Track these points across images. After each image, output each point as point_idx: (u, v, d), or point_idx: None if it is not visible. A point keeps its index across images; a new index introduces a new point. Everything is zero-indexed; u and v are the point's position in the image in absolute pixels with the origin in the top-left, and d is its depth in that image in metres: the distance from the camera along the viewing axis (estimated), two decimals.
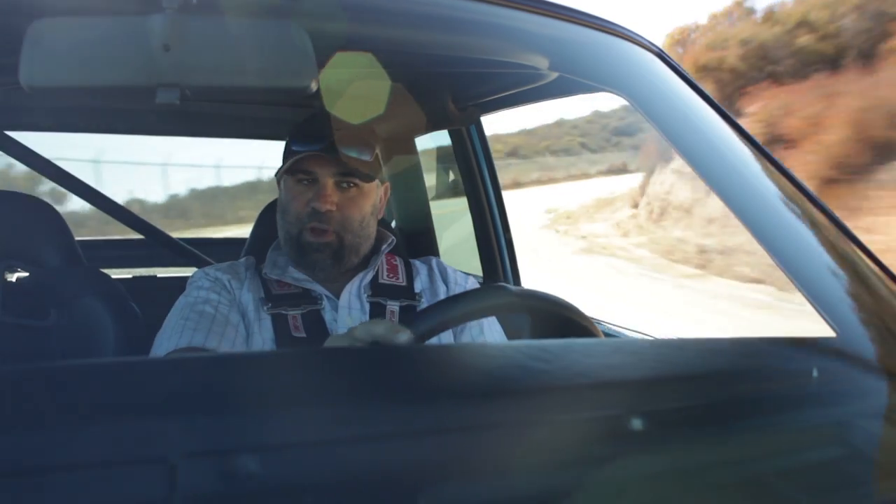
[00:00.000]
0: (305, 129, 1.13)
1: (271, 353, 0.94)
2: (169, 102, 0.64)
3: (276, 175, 1.17)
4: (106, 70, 0.66)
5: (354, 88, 1.38)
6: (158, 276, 2.15)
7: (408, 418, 0.53)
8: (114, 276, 1.54)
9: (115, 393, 0.50)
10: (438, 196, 2.07)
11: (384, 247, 1.21)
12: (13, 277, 1.43)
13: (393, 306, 1.15)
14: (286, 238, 1.14)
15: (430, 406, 0.55)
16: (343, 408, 0.52)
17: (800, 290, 0.83)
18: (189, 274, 2.09)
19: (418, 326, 0.77)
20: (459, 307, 0.83)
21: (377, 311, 1.14)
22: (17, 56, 0.64)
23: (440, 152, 2.10)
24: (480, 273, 1.95)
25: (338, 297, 1.13)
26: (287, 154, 1.13)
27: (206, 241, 2.26)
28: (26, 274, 1.40)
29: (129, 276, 2.16)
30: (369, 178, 1.13)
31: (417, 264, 1.26)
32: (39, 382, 0.50)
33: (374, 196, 1.16)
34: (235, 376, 0.55)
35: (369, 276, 1.17)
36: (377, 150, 1.15)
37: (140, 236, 2.12)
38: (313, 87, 0.69)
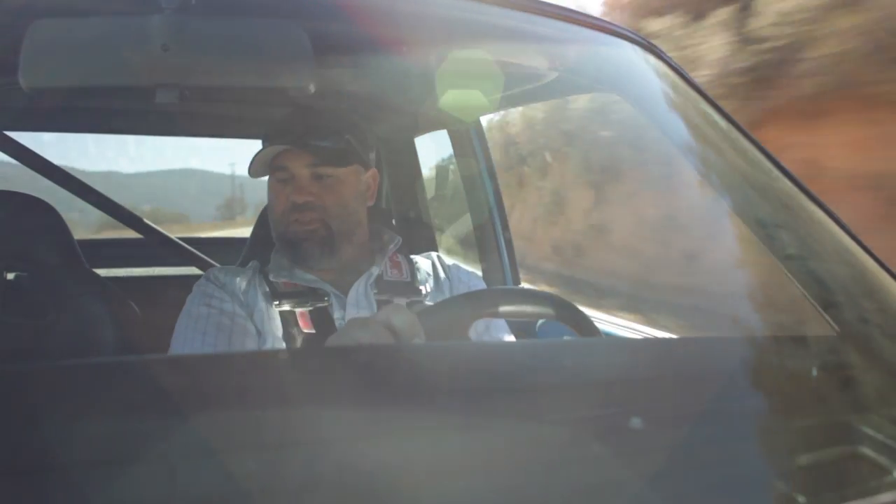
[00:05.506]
0: (274, 127, 1.15)
1: (271, 353, 0.95)
2: (168, 102, 0.64)
3: (249, 174, 1.18)
4: (105, 70, 0.66)
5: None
6: (157, 275, 2.15)
7: (405, 417, 0.53)
8: (113, 276, 1.54)
9: (114, 392, 0.50)
10: None
11: (391, 246, 1.22)
12: (12, 277, 1.44)
13: (400, 302, 1.17)
14: (277, 236, 1.16)
15: (428, 405, 0.55)
16: (342, 407, 0.52)
17: (799, 288, 0.83)
18: (188, 273, 2.10)
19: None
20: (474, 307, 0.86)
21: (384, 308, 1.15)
22: (16, 56, 0.64)
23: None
24: (480, 273, 1.95)
25: (345, 294, 1.15)
26: (262, 159, 1.14)
27: (205, 240, 2.26)
28: (25, 273, 1.40)
29: (128, 275, 2.16)
30: (342, 165, 1.14)
31: (420, 260, 1.28)
32: (38, 381, 0.50)
33: (355, 182, 1.17)
34: (235, 375, 0.55)
35: (375, 274, 1.18)
36: (349, 136, 1.16)
37: (139, 236, 2.12)
38: (311, 87, 0.69)
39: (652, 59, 1.05)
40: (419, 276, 1.23)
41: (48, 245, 1.39)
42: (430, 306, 0.92)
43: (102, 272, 1.60)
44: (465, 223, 2.03)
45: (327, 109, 1.23)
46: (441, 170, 2.12)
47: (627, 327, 1.55)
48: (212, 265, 2.07)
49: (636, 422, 0.58)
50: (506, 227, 1.94)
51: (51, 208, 1.41)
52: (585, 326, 0.89)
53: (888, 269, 0.89)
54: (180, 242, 2.09)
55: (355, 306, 1.13)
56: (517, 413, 0.57)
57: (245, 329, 1.08)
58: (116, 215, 2.05)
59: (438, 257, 1.31)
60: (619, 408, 0.59)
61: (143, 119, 1.94)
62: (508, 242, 1.94)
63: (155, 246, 2.08)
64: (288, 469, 0.47)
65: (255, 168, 1.14)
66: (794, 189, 0.95)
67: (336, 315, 1.12)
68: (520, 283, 1.97)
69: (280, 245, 1.17)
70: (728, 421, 0.63)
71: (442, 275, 1.26)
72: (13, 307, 1.34)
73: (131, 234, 2.15)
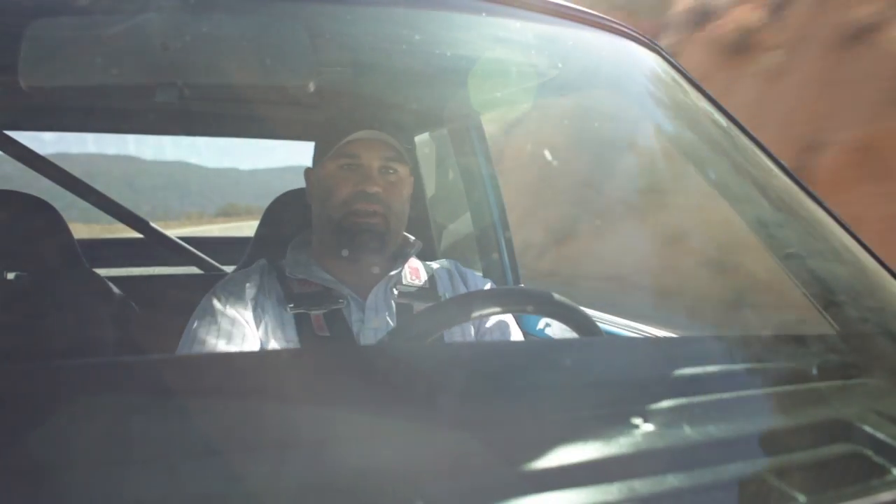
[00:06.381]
0: (350, 115, 1.14)
1: (271, 354, 0.94)
2: (168, 101, 0.64)
3: (314, 162, 1.16)
4: (105, 69, 0.66)
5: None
6: (157, 275, 2.15)
7: (406, 417, 0.53)
8: (113, 276, 1.54)
9: (114, 392, 0.50)
10: None
11: (412, 250, 1.21)
12: (12, 276, 1.44)
13: (419, 307, 1.15)
14: (326, 224, 1.13)
15: (429, 405, 0.55)
16: (343, 407, 0.52)
17: (800, 288, 0.83)
18: (188, 273, 2.10)
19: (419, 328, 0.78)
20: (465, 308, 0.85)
21: (404, 313, 1.14)
22: (16, 56, 0.64)
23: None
24: (479, 273, 1.95)
25: (362, 297, 1.13)
26: (330, 142, 1.12)
27: (205, 240, 2.26)
28: (25, 273, 1.41)
29: (128, 275, 2.16)
30: (406, 164, 1.15)
31: (437, 266, 1.27)
32: (38, 381, 0.50)
33: (409, 183, 1.18)
34: (235, 376, 0.55)
35: (395, 279, 1.17)
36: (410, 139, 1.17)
37: (140, 235, 2.12)
38: (311, 86, 0.69)
39: (652, 56, 1.05)
40: (438, 283, 1.22)
41: (48, 245, 1.39)
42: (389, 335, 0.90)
43: (102, 272, 1.60)
44: (464, 222, 2.02)
45: (399, 107, 1.22)
46: (441, 168, 2.11)
47: (628, 327, 1.54)
48: (211, 265, 2.08)
49: (636, 421, 0.58)
50: (506, 226, 1.93)
51: (51, 208, 1.41)
52: (586, 325, 0.89)
53: (888, 269, 0.89)
54: (180, 242, 2.09)
55: (374, 310, 1.12)
56: (518, 413, 0.57)
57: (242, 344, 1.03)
58: (117, 215, 2.05)
59: (455, 264, 1.29)
60: (619, 407, 0.59)
61: (145, 118, 1.94)
62: (508, 242, 1.93)
63: (155, 246, 2.09)
64: (289, 469, 0.47)
65: (330, 152, 1.11)
66: (795, 188, 0.95)
67: (353, 318, 1.10)
68: (520, 283, 1.97)
69: (327, 233, 1.13)
70: (727, 420, 0.63)
71: (459, 281, 1.25)
72: (13, 307, 1.34)
73: (131, 234, 2.15)
